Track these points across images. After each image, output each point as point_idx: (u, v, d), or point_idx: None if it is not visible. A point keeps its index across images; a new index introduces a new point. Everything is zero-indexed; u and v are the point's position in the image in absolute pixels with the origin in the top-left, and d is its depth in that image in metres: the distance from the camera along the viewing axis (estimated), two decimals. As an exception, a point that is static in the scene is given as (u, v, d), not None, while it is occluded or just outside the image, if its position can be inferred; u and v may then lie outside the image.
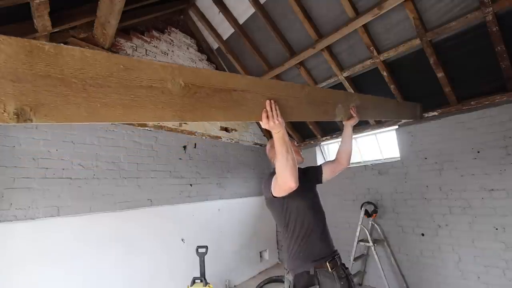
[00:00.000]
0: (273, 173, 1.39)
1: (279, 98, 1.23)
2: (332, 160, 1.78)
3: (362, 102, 1.93)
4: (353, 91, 3.36)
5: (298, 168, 1.69)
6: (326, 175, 1.71)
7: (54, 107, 0.67)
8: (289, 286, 1.42)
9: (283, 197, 1.39)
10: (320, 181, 1.72)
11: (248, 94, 1.13)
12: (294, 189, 1.21)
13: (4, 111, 0.61)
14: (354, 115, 1.76)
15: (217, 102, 1.03)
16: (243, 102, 1.12)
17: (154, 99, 0.85)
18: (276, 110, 1.17)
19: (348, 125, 1.75)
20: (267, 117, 1.15)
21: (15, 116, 0.62)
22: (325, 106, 1.58)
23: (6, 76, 0.61)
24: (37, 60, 0.65)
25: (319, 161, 4.43)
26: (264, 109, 1.17)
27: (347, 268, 1.51)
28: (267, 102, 1.17)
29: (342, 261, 1.50)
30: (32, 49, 0.64)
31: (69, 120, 0.71)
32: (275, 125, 1.15)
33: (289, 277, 1.45)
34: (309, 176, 1.69)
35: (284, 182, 1.20)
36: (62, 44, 0.70)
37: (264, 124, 1.18)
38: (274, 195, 1.38)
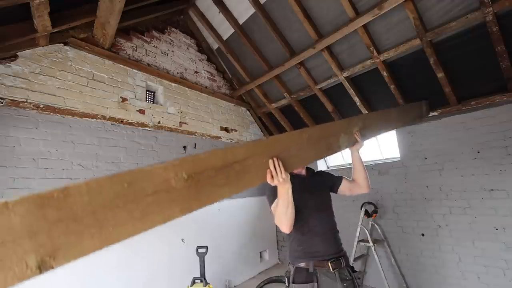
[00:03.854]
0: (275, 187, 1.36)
1: (281, 152, 1.19)
2: (350, 180, 1.75)
3: (364, 122, 1.82)
4: (353, 91, 3.36)
5: (308, 168, 1.71)
6: (343, 189, 1.71)
7: (70, 247, 0.69)
8: (289, 278, 1.45)
9: None
10: (334, 190, 1.71)
11: (250, 160, 1.10)
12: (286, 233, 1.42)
13: (27, 268, 0.63)
14: (359, 139, 1.68)
15: (220, 180, 1.00)
16: (246, 171, 1.09)
17: (161, 201, 0.84)
18: (279, 167, 1.15)
19: (355, 151, 1.69)
20: (272, 176, 1.14)
21: (38, 270, 0.65)
22: (327, 140, 1.50)
23: (23, 236, 0.63)
24: (49, 209, 0.66)
25: (320, 165, 4.43)
26: (268, 170, 1.15)
27: (356, 271, 1.49)
28: (270, 161, 1.14)
29: (351, 264, 1.49)
30: (42, 201, 0.66)
31: (86, 254, 0.71)
32: (280, 182, 1.16)
33: (290, 270, 1.47)
34: (321, 179, 1.69)
35: (279, 225, 1.38)
36: (68, 187, 0.70)
37: (270, 183, 1.18)
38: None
